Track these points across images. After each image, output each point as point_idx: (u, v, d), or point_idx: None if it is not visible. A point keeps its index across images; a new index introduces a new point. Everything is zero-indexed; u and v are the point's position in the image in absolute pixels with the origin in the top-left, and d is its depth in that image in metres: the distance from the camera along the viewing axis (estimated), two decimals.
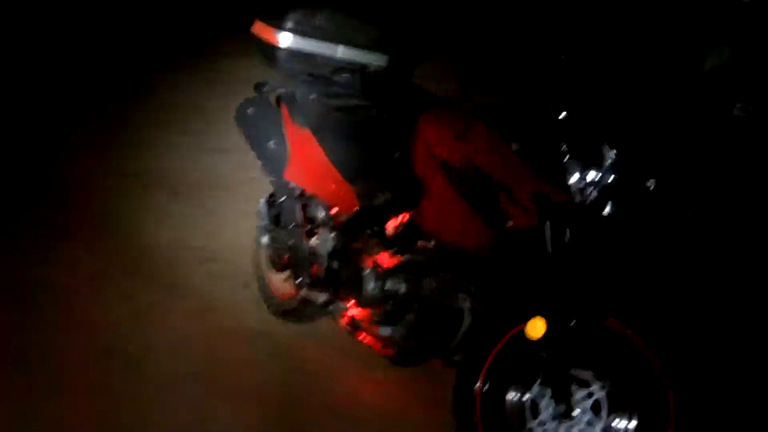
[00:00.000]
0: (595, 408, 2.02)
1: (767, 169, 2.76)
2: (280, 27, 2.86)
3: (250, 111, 3.07)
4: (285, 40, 2.85)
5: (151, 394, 2.73)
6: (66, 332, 3.06)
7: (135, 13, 5.11)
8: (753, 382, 2.64)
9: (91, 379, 2.79)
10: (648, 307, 2.02)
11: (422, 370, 2.73)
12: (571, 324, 1.99)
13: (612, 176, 1.94)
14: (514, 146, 2.02)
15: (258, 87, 3.04)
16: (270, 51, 2.89)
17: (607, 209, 1.95)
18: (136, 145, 4.90)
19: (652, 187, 1.96)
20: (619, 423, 2.00)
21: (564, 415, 2.02)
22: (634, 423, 2.00)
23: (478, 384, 2.17)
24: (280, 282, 3.25)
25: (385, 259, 2.53)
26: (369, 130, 2.84)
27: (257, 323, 3.24)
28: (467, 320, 2.39)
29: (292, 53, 2.88)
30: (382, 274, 2.52)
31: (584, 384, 2.03)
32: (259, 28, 2.94)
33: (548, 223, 2.01)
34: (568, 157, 1.96)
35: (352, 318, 2.71)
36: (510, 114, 2.12)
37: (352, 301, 2.67)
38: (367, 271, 2.55)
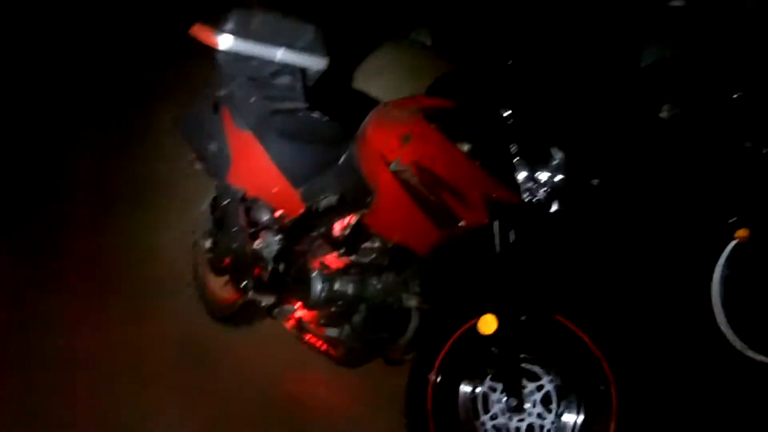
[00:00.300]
0: (545, 401, 2.08)
1: (694, 168, 2.90)
2: (219, 29, 2.84)
3: (190, 115, 3.04)
4: (224, 42, 2.83)
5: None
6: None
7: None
8: (692, 376, 2.77)
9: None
10: (592, 303, 2.09)
11: (365, 370, 2.74)
12: (521, 320, 2.04)
13: (559, 176, 2.00)
14: (465, 147, 2.05)
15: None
16: (210, 53, 2.87)
17: (554, 207, 2.01)
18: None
19: (596, 186, 2.04)
20: (568, 416, 2.07)
21: (515, 409, 2.08)
22: (581, 416, 2.07)
23: (430, 380, 2.20)
24: (220, 286, 3.23)
25: (333, 261, 2.55)
26: (312, 133, 2.85)
27: (196, 327, 3.21)
28: (414, 319, 2.43)
29: (232, 56, 2.86)
30: (330, 276, 2.53)
31: (534, 378, 2.09)
32: (199, 31, 2.91)
33: (497, 222, 2.06)
34: (517, 157, 2.01)
35: (299, 320, 2.71)
36: (458, 116, 2.16)
37: (299, 304, 2.67)
38: (315, 273, 2.56)
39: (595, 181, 2.04)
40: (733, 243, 2.98)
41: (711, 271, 3.01)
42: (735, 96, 2.85)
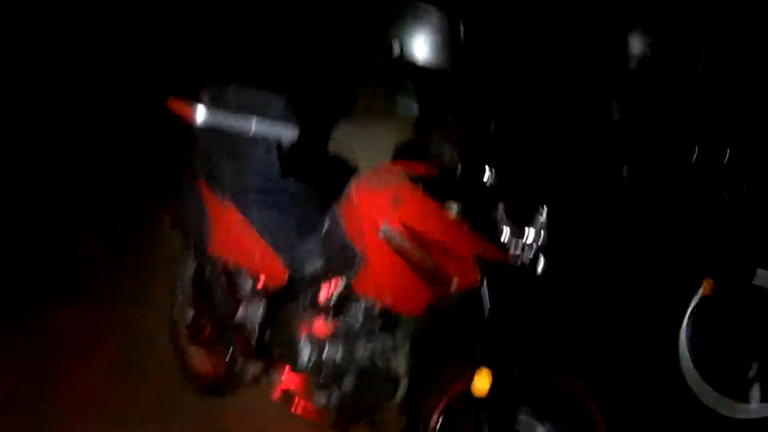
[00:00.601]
0: None
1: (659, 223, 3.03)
2: (194, 102, 2.90)
3: (169, 187, 3.08)
4: (200, 114, 2.89)
5: None
6: None
7: None
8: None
9: None
10: (585, 359, 2.16)
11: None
12: (515, 376, 2.10)
13: (544, 234, 2.08)
14: (453, 208, 2.13)
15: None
16: (186, 126, 2.93)
17: (540, 266, 2.08)
18: None
19: (579, 245, 2.13)
20: None
21: None
22: None
23: None
24: (200, 358, 3.22)
25: (320, 327, 2.58)
26: (290, 200, 2.90)
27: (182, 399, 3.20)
28: (404, 383, 2.46)
29: (207, 128, 2.92)
30: (318, 342, 2.56)
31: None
32: (175, 104, 2.97)
33: (485, 281, 2.13)
34: (503, 217, 2.09)
35: (285, 390, 2.72)
36: (443, 178, 2.23)
37: (285, 371, 2.68)
38: (302, 339, 2.58)
39: (576, 240, 2.13)
40: (699, 295, 3.11)
41: (680, 320, 3.13)
42: (693, 155, 3.02)
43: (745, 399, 3.03)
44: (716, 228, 3.03)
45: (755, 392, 3.02)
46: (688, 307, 3.16)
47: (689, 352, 3.17)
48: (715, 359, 3.09)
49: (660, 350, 3.21)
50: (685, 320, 3.17)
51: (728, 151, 3.03)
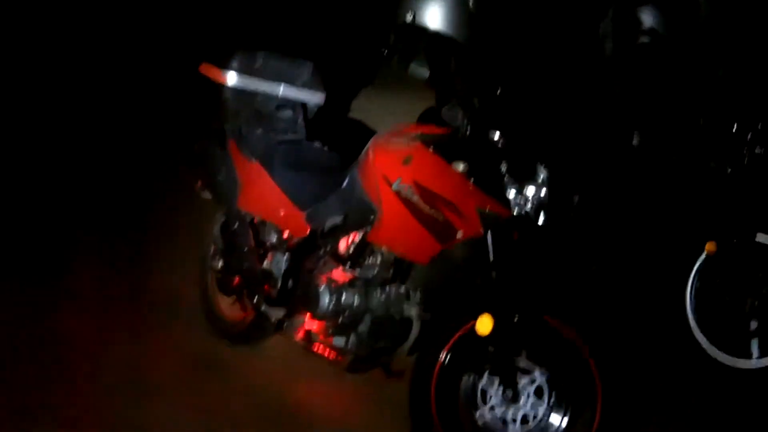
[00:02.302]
0: (538, 393, 2.32)
1: (664, 187, 3.18)
2: (225, 67, 3.11)
3: (196, 149, 3.30)
4: (231, 78, 3.11)
5: None
6: None
7: None
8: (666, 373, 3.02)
9: None
10: (578, 304, 2.34)
11: (367, 377, 2.93)
12: (515, 320, 2.28)
13: (544, 191, 2.25)
14: (460, 167, 2.31)
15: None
16: (217, 90, 3.14)
17: (541, 220, 2.25)
18: None
19: (576, 201, 2.30)
20: (558, 407, 2.31)
21: (511, 400, 2.31)
22: (570, 407, 2.31)
23: (433, 379, 2.43)
24: (228, 306, 3.44)
25: (339, 275, 2.78)
26: (313, 161, 3.11)
27: (203, 348, 3.41)
28: (415, 328, 2.66)
29: (238, 91, 3.13)
30: (336, 289, 2.76)
31: (527, 372, 2.33)
32: (207, 69, 3.18)
33: (490, 233, 2.30)
34: (507, 175, 2.27)
35: (308, 331, 2.93)
36: (452, 140, 2.41)
37: (307, 316, 2.89)
38: (322, 287, 2.79)
39: (576, 197, 2.29)
40: (702, 256, 3.26)
41: (685, 282, 3.29)
42: (699, 122, 3.15)
43: (745, 354, 3.19)
44: (719, 193, 3.16)
45: (755, 348, 3.18)
46: (692, 267, 3.32)
47: (693, 310, 3.33)
48: (717, 316, 3.25)
49: (665, 306, 3.38)
50: (690, 280, 3.34)
51: (735, 120, 3.16)
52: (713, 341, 3.28)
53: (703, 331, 3.30)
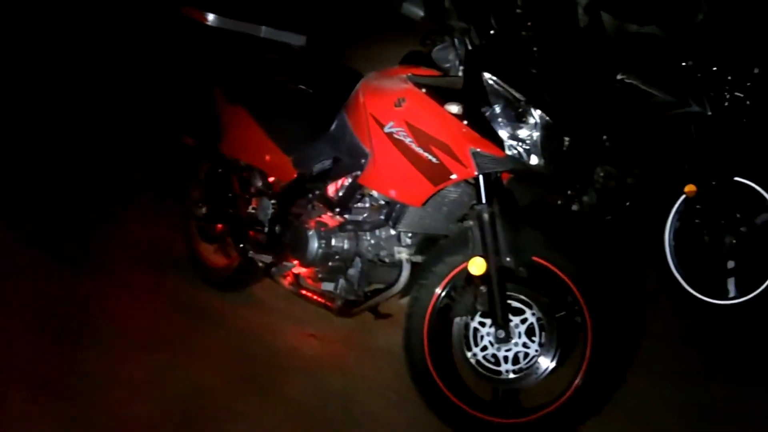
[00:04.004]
0: (529, 332, 2.36)
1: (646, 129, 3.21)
2: (206, 8, 3.06)
3: (184, 94, 3.27)
4: (211, 19, 3.06)
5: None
6: None
7: None
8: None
9: None
10: (569, 247, 2.36)
11: (354, 322, 2.98)
12: (507, 261, 2.31)
13: (536, 133, 2.25)
14: (453, 108, 2.30)
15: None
16: (199, 31, 3.09)
17: (534, 161, 2.26)
18: None
19: (567, 143, 2.31)
20: (550, 345, 2.35)
21: (503, 340, 2.34)
22: (561, 345, 2.36)
23: (426, 320, 2.46)
24: (212, 253, 3.43)
25: (328, 220, 2.78)
26: (298, 104, 3.08)
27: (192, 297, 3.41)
28: (406, 271, 2.67)
29: (219, 33, 3.09)
30: (326, 234, 2.76)
31: (519, 312, 2.36)
32: (188, 11, 3.13)
33: (484, 174, 2.31)
34: (500, 117, 2.26)
35: (296, 276, 2.94)
36: (445, 82, 2.40)
37: (296, 262, 2.89)
38: (311, 232, 2.79)
39: (567, 139, 2.30)
40: (682, 198, 3.31)
41: (664, 223, 3.35)
42: (683, 65, 3.16)
43: (722, 292, 3.27)
44: (699, 135, 3.20)
45: (731, 286, 3.25)
46: (672, 207, 3.38)
47: (672, 250, 3.40)
48: (696, 256, 3.31)
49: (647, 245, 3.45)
50: (669, 221, 3.39)
51: (715, 64, 3.18)
52: (692, 280, 3.36)
53: (682, 271, 3.37)
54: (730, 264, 3.23)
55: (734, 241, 3.18)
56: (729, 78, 3.15)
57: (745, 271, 3.23)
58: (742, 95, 3.17)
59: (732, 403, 2.69)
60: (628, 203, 3.35)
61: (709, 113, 3.13)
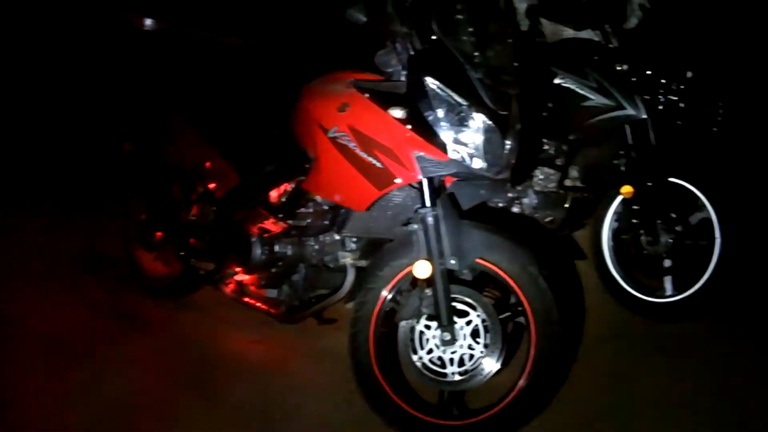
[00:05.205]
0: (474, 334, 2.38)
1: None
2: (145, 14, 3.03)
3: (126, 103, 3.23)
4: (149, 24, 3.02)
5: None
6: None
7: None
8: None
9: None
10: (511, 247, 2.39)
11: (298, 328, 2.96)
12: (451, 263, 2.32)
13: (480, 137, 2.27)
14: (396, 112, 2.30)
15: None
16: (137, 36, 3.05)
17: (477, 165, 2.27)
18: None
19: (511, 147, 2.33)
20: (494, 346, 2.37)
21: (449, 342, 2.36)
22: (506, 345, 2.38)
23: (371, 325, 2.46)
24: (152, 261, 3.38)
25: (271, 226, 2.76)
26: (241, 109, 3.05)
27: (132, 307, 3.36)
28: (350, 275, 2.67)
29: (157, 36, 3.05)
30: (269, 240, 2.74)
31: (464, 314, 2.38)
32: (130, 16, 3.09)
33: (427, 177, 2.32)
34: (444, 120, 2.27)
35: (239, 283, 2.91)
36: (388, 86, 2.40)
37: (238, 269, 2.86)
38: (254, 238, 2.76)
39: (512, 143, 2.32)
40: (619, 198, 3.38)
41: (602, 222, 3.42)
42: (618, 69, 3.21)
43: (659, 290, 3.34)
44: (635, 137, 3.26)
45: (668, 284, 3.33)
46: (609, 208, 3.45)
47: (610, 250, 3.47)
48: (633, 255, 3.38)
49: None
50: (607, 221, 3.46)
51: (649, 67, 3.25)
52: (630, 279, 3.43)
53: (621, 270, 3.44)
54: (667, 263, 3.29)
55: (670, 241, 3.24)
56: (663, 81, 3.21)
57: (681, 269, 3.31)
58: (675, 98, 3.23)
59: (669, 396, 2.75)
60: (567, 205, 3.39)
61: (644, 116, 3.19)
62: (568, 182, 3.39)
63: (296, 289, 2.75)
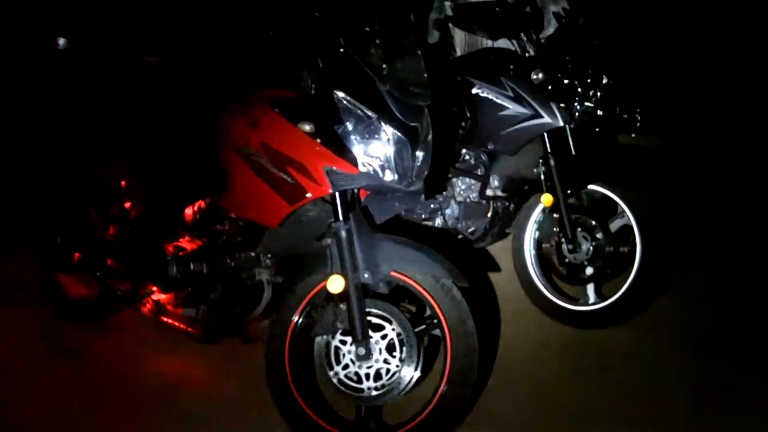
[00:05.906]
0: (390, 348, 2.36)
1: None
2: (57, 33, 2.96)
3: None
4: (62, 43, 2.95)
5: None
6: None
7: None
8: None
9: None
10: (426, 259, 2.38)
11: (220, 347, 2.92)
12: (365, 277, 2.31)
13: (390, 149, 2.26)
14: (306, 127, 2.29)
15: None
16: (51, 55, 2.99)
17: (388, 177, 2.26)
18: None
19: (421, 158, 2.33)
20: (410, 359, 2.36)
21: (364, 357, 2.34)
22: (422, 358, 2.38)
23: (287, 342, 2.43)
24: (71, 284, 3.30)
25: (187, 244, 2.71)
26: (155, 126, 3.00)
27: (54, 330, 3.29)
28: (267, 292, 2.64)
29: (71, 54, 2.98)
30: (185, 258, 2.70)
31: (379, 328, 2.36)
32: (42, 36, 3.03)
33: (338, 191, 2.31)
34: (354, 133, 2.26)
35: (156, 303, 2.85)
36: (299, 101, 2.38)
37: (155, 288, 2.81)
38: (170, 256, 2.71)
39: (422, 154, 2.32)
40: (539, 208, 3.41)
41: (524, 232, 3.44)
42: (534, 77, 3.24)
43: (581, 298, 3.38)
44: (553, 147, 3.30)
45: (590, 292, 3.37)
46: (530, 217, 3.48)
47: (533, 259, 3.50)
48: (555, 264, 3.41)
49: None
50: (528, 231, 3.49)
51: (567, 77, 3.28)
52: (553, 288, 3.46)
53: (543, 279, 3.47)
54: (589, 270, 3.33)
55: (591, 248, 3.28)
56: (579, 90, 3.24)
57: (603, 276, 3.35)
58: (592, 106, 3.27)
59: (594, 405, 2.77)
60: (489, 215, 3.41)
61: (562, 124, 3.22)
62: (489, 192, 3.42)
63: (214, 308, 2.71)
